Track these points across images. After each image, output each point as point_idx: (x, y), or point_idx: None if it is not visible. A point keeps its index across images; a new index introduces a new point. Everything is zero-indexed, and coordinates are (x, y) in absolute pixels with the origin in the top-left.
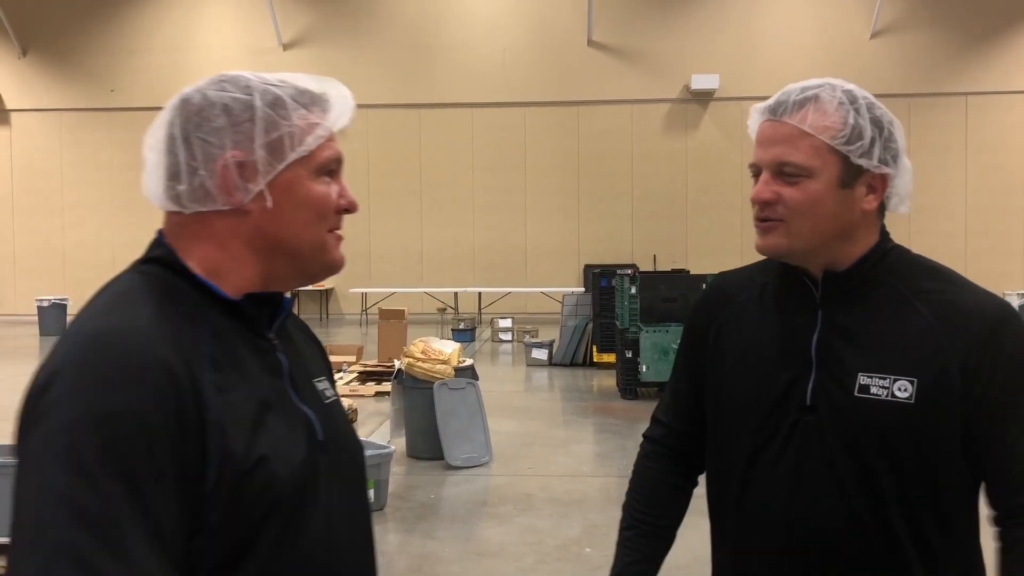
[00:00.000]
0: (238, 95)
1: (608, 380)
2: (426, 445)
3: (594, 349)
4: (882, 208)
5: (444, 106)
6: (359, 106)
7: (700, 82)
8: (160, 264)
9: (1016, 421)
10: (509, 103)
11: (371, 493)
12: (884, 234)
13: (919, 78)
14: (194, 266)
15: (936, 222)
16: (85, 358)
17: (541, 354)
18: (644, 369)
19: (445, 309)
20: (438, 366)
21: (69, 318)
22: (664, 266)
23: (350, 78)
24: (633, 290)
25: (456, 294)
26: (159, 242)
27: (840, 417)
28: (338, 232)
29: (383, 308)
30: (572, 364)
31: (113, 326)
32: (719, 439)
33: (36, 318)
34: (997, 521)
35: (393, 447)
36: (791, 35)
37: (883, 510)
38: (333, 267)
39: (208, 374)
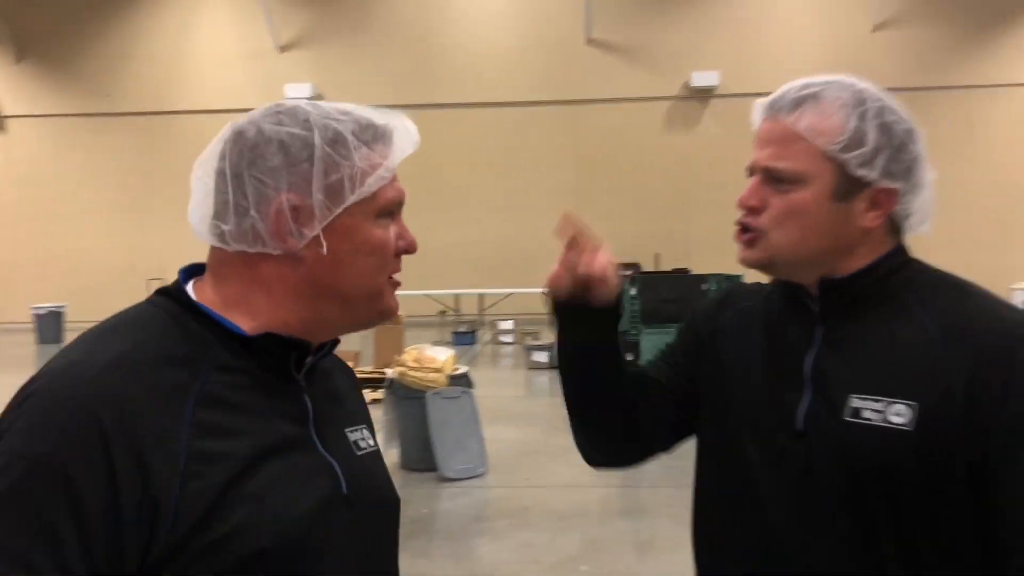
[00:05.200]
0: (296, 131)
1: None
2: (420, 456)
3: None
4: (896, 226)
5: (444, 106)
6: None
7: (700, 79)
8: (170, 297)
9: (1017, 474)
10: (510, 103)
11: None
12: (899, 248)
13: (921, 72)
14: (215, 300)
15: (940, 215)
16: (40, 395)
17: (542, 357)
18: None
19: (446, 312)
20: (431, 375)
21: (67, 325)
22: (668, 265)
23: (348, 80)
24: (632, 291)
25: (457, 296)
26: (180, 275)
27: (830, 444)
28: (395, 277)
29: None
30: None
31: (74, 367)
32: (709, 454)
33: (33, 326)
34: None
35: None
36: (792, 30)
37: (875, 551)
38: (386, 314)
39: (190, 413)
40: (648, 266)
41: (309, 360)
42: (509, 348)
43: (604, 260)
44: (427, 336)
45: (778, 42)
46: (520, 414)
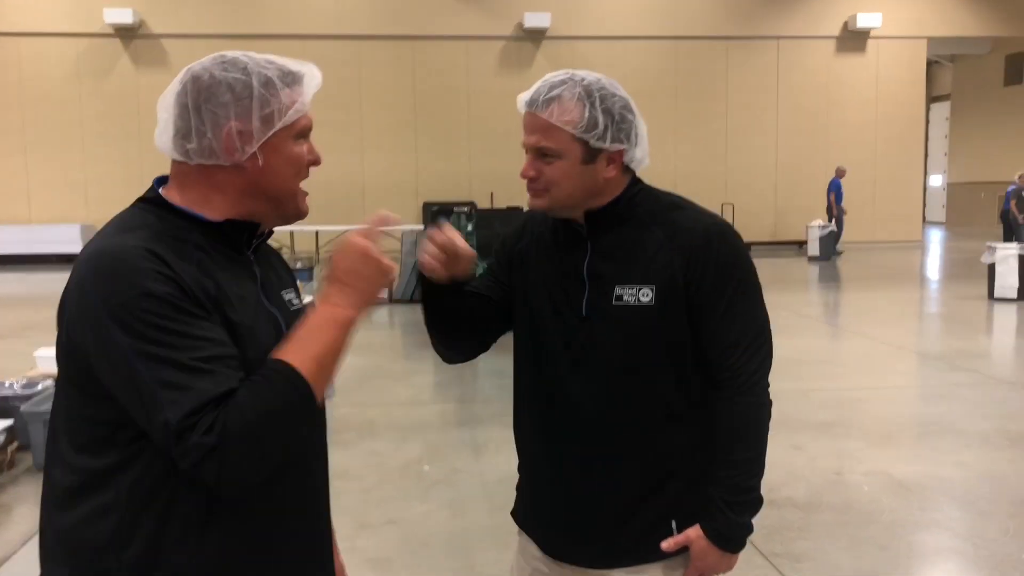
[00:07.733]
0: (239, 76)
1: None
2: None
3: None
4: (627, 168)
5: (273, 37)
6: (182, 36)
7: (532, 20)
8: (150, 203)
9: (718, 312)
10: (342, 36)
11: None
12: (633, 182)
13: (735, 22)
14: (183, 201)
15: (751, 158)
16: (96, 268)
17: (382, 292)
18: None
19: (281, 248)
20: None
21: None
22: (502, 203)
23: (171, 5)
24: (469, 227)
25: (292, 233)
26: (151, 188)
27: (605, 321)
28: (303, 187)
29: None
30: (412, 300)
31: (113, 244)
32: (522, 345)
33: None
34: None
35: None
36: None
37: (639, 389)
38: (301, 213)
39: (192, 271)
40: (484, 204)
41: (255, 241)
42: None
43: (461, 241)
44: None
45: None
46: (361, 345)
